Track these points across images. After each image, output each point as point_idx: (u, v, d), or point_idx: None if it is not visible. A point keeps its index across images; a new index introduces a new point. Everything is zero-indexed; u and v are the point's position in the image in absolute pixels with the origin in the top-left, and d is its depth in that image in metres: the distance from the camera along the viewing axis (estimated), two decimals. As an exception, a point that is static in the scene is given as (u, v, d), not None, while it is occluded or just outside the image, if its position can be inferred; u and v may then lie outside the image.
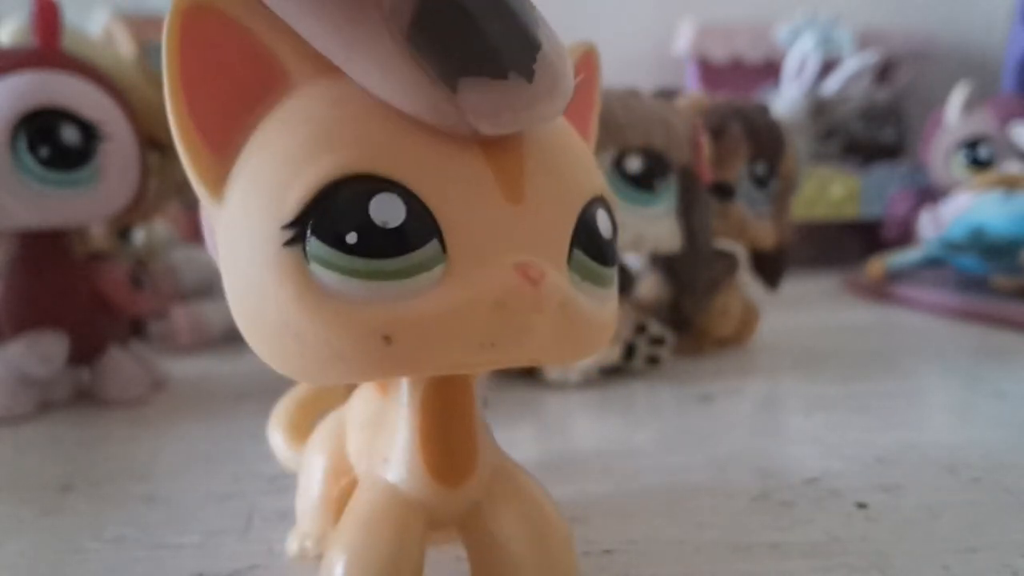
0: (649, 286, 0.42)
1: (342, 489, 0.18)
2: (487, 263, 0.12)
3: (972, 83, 0.69)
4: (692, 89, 0.75)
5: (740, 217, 0.43)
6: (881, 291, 0.61)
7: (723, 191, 0.43)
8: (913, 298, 0.57)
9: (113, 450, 0.29)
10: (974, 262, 0.57)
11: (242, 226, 0.13)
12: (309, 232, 0.12)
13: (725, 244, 0.44)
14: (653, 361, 0.38)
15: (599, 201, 0.14)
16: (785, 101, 0.74)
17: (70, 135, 0.31)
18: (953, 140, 0.68)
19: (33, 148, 0.31)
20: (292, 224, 0.12)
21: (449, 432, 0.16)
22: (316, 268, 0.12)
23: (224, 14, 0.13)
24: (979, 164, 0.67)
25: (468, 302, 0.12)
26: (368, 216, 0.12)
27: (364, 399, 0.18)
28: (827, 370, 0.39)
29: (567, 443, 0.29)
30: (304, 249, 0.12)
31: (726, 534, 0.20)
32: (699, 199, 0.39)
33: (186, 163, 0.13)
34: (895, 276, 0.62)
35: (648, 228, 0.36)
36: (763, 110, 0.46)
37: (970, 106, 0.69)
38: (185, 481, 0.25)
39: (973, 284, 0.57)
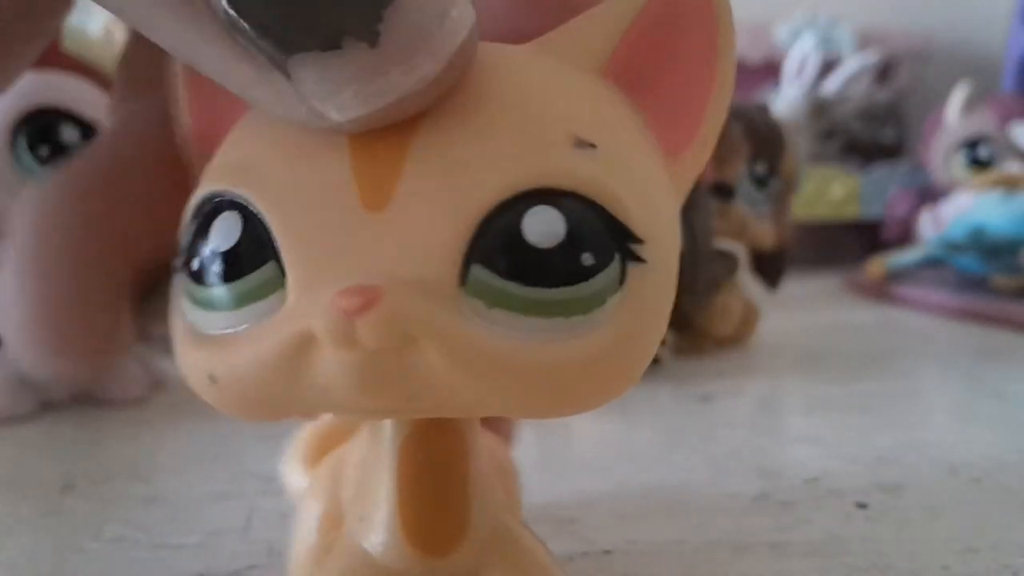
0: (649, 286, 0.42)
1: (333, 542, 0.15)
2: (321, 288, 0.10)
3: (972, 83, 0.69)
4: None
5: (740, 217, 0.43)
6: (881, 291, 0.61)
7: (723, 191, 0.43)
8: (913, 298, 0.57)
9: (113, 450, 0.29)
10: (974, 262, 0.57)
11: None
12: (182, 260, 0.11)
13: (725, 244, 0.44)
14: (653, 361, 0.38)
15: (542, 195, 0.10)
16: (785, 101, 0.74)
17: (70, 135, 0.31)
18: (953, 140, 0.68)
19: (33, 148, 0.31)
20: (182, 251, 0.11)
21: (434, 489, 0.13)
22: (182, 297, 0.11)
23: None
24: (979, 164, 0.67)
25: (278, 338, 0.10)
26: (207, 239, 0.10)
27: (362, 434, 0.15)
28: (827, 370, 0.39)
29: (567, 443, 0.29)
30: (181, 277, 0.11)
31: (726, 534, 0.20)
32: (699, 199, 0.39)
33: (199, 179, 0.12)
34: (895, 276, 0.62)
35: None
36: (763, 110, 0.46)
37: (970, 106, 0.69)
38: (185, 481, 0.25)
39: (973, 284, 0.57)
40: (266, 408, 0.10)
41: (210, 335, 0.11)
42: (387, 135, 0.10)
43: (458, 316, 0.10)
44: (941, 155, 0.69)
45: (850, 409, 0.32)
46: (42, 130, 0.31)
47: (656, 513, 0.22)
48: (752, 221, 0.44)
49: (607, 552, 0.19)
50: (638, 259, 0.10)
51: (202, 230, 0.11)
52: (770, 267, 0.47)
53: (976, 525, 0.21)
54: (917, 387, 0.36)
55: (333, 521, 0.15)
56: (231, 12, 0.09)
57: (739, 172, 0.43)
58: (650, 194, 0.11)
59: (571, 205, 0.10)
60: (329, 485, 0.15)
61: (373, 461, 0.13)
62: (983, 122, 0.68)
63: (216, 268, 0.10)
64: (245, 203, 0.10)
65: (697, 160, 0.12)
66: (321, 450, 0.18)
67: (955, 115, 0.69)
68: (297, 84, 0.09)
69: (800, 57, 0.74)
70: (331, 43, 0.09)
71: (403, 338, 0.09)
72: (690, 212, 0.39)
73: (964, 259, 0.57)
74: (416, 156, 0.10)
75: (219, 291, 0.10)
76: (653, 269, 0.11)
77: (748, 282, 0.46)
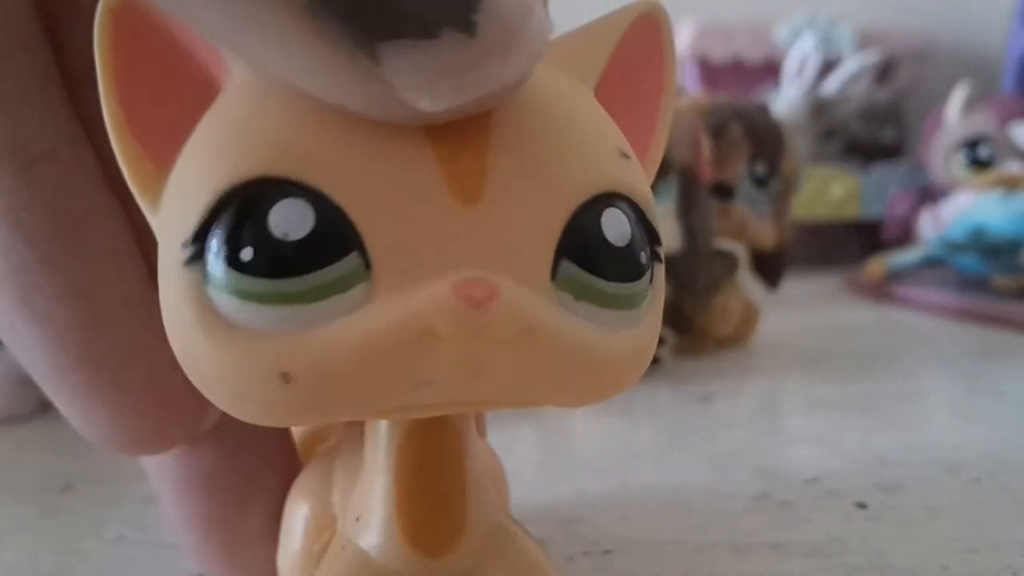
0: (649, 286, 0.42)
1: (324, 544, 0.14)
2: (422, 280, 0.10)
3: (972, 83, 0.69)
4: (692, 89, 0.75)
5: (740, 217, 0.44)
6: (881, 291, 0.61)
7: (723, 191, 0.43)
8: (913, 298, 0.57)
9: (113, 450, 0.29)
10: (974, 262, 0.57)
11: (164, 239, 0.11)
12: (207, 250, 0.10)
13: (725, 244, 0.44)
14: (653, 361, 0.38)
15: (611, 199, 0.11)
16: (785, 101, 0.74)
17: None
18: (953, 140, 0.68)
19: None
20: (192, 240, 0.10)
21: (432, 489, 0.13)
22: (213, 291, 0.10)
23: (154, 11, 0.11)
24: (979, 164, 0.67)
25: (389, 330, 0.09)
26: (267, 227, 0.09)
27: (351, 437, 0.15)
28: (827, 370, 0.39)
29: (567, 443, 0.29)
30: (204, 269, 0.10)
31: (726, 534, 0.20)
32: (699, 199, 0.39)
33: (125, 171, 0.11)
34: (895, 276, 0.62)
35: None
36: (763, 110, 0.46)
37: (970, 106, 0.69)
38: (185, 481, 0.25)
39: (973, 284, 0.57)
40: (351, 404, 0.10)
41: (274, 331, 0.10)
42: (464, 128, 0.10)
43: (558, 308, 0.10)
44: (941, 155, 0.69)
45: (850, 409, 0.32)
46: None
47: (656, 513, 0.22)
48: (752, 221, 0.44)
49: (607, 552, 0.19)
50: (659, 258, 0.12)
51: (248, 217, 0.10)
52: (770, 267, 0.47)
53: (976, 525, 0.21)
54: (917, 387, 0.36)
55: (321, 524, 0.15)
56: (318, 5, 0.08)
57: (739, 172, 0.43)
58: (652, 198, 0.12)
59: (628, 209, 0.11)
60: (315, 488, 0.15)
61: (370, 462, 0.13)
62: (983, 122, 0.68)
63: (288, 259, 0.10)
64: (313, 190, 0.10)
65: (650, 171, 0.13)
66: (307, 450, 0.18)
67: (955, 115, 0.69)
68: (386, 72, 0.09)
69: (800, 57, 0.74)
70: (429, 32, 0.09)
71: (523, 329, 0.10)
72: (690, 212, 0.39)
73: (964, 259, 0.57)
74: (499, 152, 0.10)
75: (293, 284, 0.10)
76: (661, 267, 0.12)
77: (748, 282, 0.46)
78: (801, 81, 0.74)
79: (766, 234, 0.44)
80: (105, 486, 0.25)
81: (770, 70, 0.77)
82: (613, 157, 0.11)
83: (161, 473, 0.16)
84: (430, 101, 0.09)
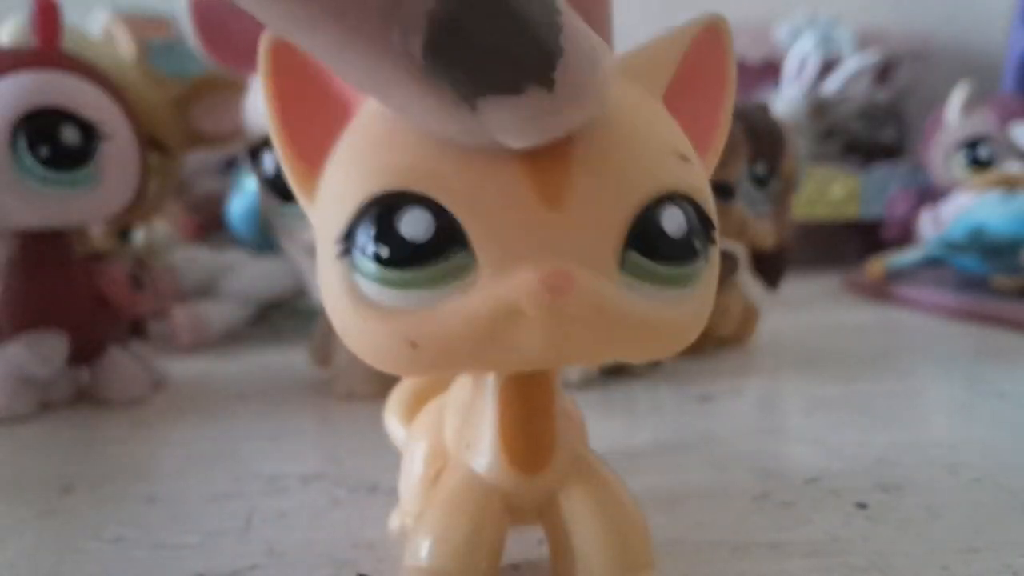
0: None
1: (439, 470, 0.18)
2: (514, 271, 0.12)
3: (972, 83, 0.69)
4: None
5: (740, 217, 0.43)
6: (881, 291, 0.61)
7: (723, 191, 0.43)
8: (913, 298, 0.57)
9: (113, 450, 0.29)
10: (974, 262, 0.57)
11: (320, 232, 0.14)
12: (353, 246, 0.13)
13: (725, 244, 0.44)
14: (653, 361, 0.38)
15: (670, 198, 0.14)
16: (785, 101, 0.74)
17: (70, 135, 0.31)
18: (953, 140, 0.68)
19: (33, 148, 0.31)
20: (342, 239, 0.13)
21: (528, 423, 0.16)
22: (359, 278, 0.13)
23: (300, 51, 0.14)
24: (979, 164, 0.67)
25: (488, 310, 0.13)
26: (398, 231, 0.13)
27: (460, 387, 0.19)
28: (827, 370, 0.39)
29: (567, 443, 0.29)
30: (352, 261, 0.13)
31: (726, 534, 0.20)
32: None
33: (285, 170, 0.15)
34: (895, 276, 0.62)
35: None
36: (763, 110, 0.46)
37: (970, 106, 0.69)
38: (185, 481, 0.25)
39: (973, 284, 0.57)
40: (462, 364, 0.14)
41: (404, 309, 0.13)
42: (552, 149, 0.13)
43: (621, 290, 0.13)
44: (941, 155, 0.69)
45: (850, 409, 0.32)
46: (42, 130, 0.31)
47: (656, 513, 0.22)
48: (752, 221, 0.44)
49: (607, 552, 0.19)
50: (713, 240, 0.14)
51: (384, 222, 0.13)
52: (770, 267, 0.47)
53: (976, 525, 0.21)
54: (917, 387, 0.36)
55: (436, 455, 0.19)
56: (431, 62, 0.11)
57: (739, 172, 0.43)
58: (710, 191, 0.15)
59: (685, 204, 0.14)
60: (430, 428, 0.19)
61: (479, 402, 0.17)
62: (983, 122, 0.68)
63: (414, 255, 0.13)
64: (432, 201, 0.13)
65: (711, 162, 0.16)
66: (416, 404, 0.22)
67: (955, 115, 0.69)
68: (482, 119, 0.12)
69: (800, 57, 0.74)
70: (516, 89, 0.11)
71: (594, 309, 0.13)
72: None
73: (964, 259, 0.57)
74: (578, 166, 0.13)
75: (418, 273, 0.13)
76: (717, 247, 0.15)
77: (748, 282, 0.46)
78: (801, 81, 0.74)
79: (766, 234, 0.44)
80: (105, 486, 0.25)
81: (770, 70, 0.77)
82: (673, 161, 0.14)
83: None
84: (517, 141, 0.12)
